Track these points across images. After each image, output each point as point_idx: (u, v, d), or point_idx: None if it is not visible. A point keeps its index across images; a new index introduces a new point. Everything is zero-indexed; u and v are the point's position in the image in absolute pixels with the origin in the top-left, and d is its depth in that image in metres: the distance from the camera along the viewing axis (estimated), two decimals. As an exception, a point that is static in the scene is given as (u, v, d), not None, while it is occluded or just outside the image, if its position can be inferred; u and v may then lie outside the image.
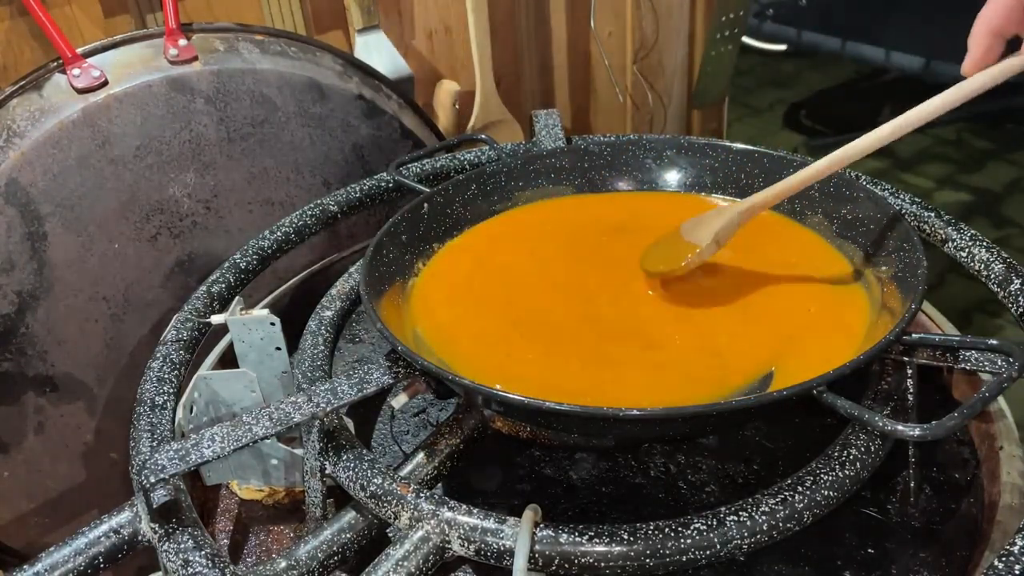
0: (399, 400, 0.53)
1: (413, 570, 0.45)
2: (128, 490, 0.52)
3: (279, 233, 0.72)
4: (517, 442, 0.59)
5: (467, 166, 0.80)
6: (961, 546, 0.51)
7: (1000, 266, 0.57)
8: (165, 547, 0.47)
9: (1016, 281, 0.55)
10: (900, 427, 0.41)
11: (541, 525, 0.44)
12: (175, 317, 0.63)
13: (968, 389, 0.61)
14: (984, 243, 0.60)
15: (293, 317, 0.66)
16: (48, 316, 0.80)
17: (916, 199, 0.66)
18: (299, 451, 0.55)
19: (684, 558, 0.43)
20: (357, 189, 0.77)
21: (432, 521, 0.45)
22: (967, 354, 0.50)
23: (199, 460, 0.47)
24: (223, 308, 0.64)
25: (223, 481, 0.61)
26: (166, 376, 0.58)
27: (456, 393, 0.55)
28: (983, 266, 0.58)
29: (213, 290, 0.66)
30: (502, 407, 0.52)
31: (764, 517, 0.44)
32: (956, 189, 2.04)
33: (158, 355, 0.60)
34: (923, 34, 2.11)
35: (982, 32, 0.47)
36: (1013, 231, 1.86)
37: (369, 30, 1.05)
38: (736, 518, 0.44)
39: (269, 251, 0.71)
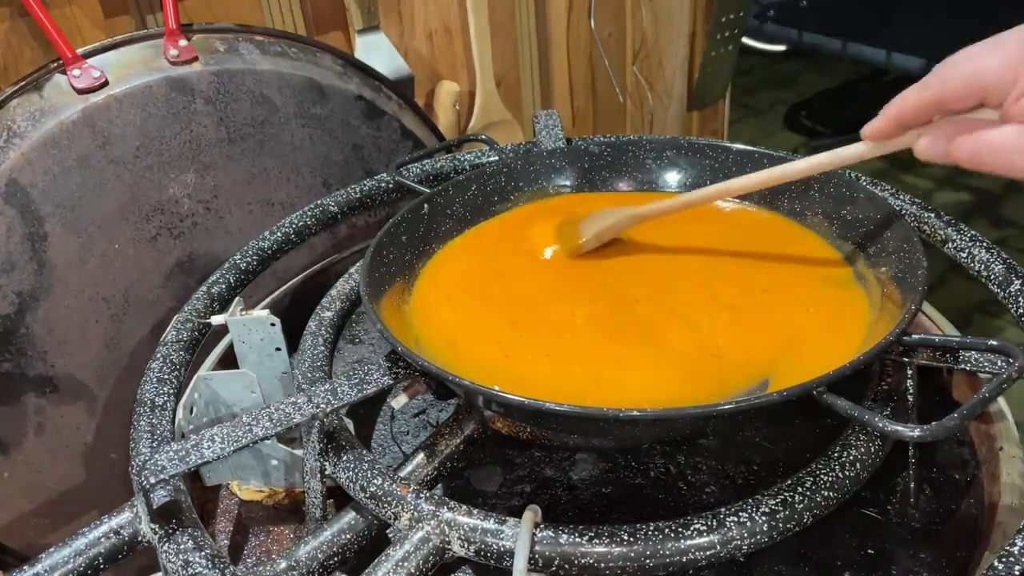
0: (399, 401, 0.53)
1: (413, 571, 0.45)
2: (128, 490, 0.52)
3: (279, 234, 0.72)
4: (517, 443, 0.59)
5: (467, 166, 0.80)
6: (961, 546, 0.51)
7: (1000, 267, 0.57)
8: (165, 548, 0.47)
9: (1016, 282, 0.55)
10: (900, 428, 0.41)
11: (541, 526, 0.44)
12: (175, 318, 0.63)
13: (968, 390, 0.61)
14: (984, 244, 0.59)
15: (293, 318, 0.66)
16: (48, 316, 0.80)
17: (916, 199, 0.66)
18: (299, 452, 0.55)
19: (684, 559, 0.43)
20: (357, 189, 0.77)
21: (432, 522, 0.45)
22: (967, 355, 0.50)
23: (199, 461, 0.47)
24: (223, 309, 0.64)
25: (223, 482, 0.61)
26: (166, 377, 0.58)
27: (456, 394, 0.55)
28: (983, 267, 0.58)
29: (213, 291, 0.66)
30: (502, 408, 0.51)
31: (764, 518, 0.44)
32: (956, 189, 2.04)
33: (158, 356, 0.60)
34: (923, 35, 2.11)
35: (893, 116, 0.48)
36: (1013, 232, 1.87)
37: (369, 30, 1.05)
38: (736, 519, 0.44)
39: (269, 252, 0.71)
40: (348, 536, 0.49)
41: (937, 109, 0.46)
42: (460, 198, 0.68)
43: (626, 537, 0.43)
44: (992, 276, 0.57)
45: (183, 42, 0.83)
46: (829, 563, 0.50)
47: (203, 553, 0.46)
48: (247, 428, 0.48)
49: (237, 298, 0.64)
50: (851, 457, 0.47)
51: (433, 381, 0.53)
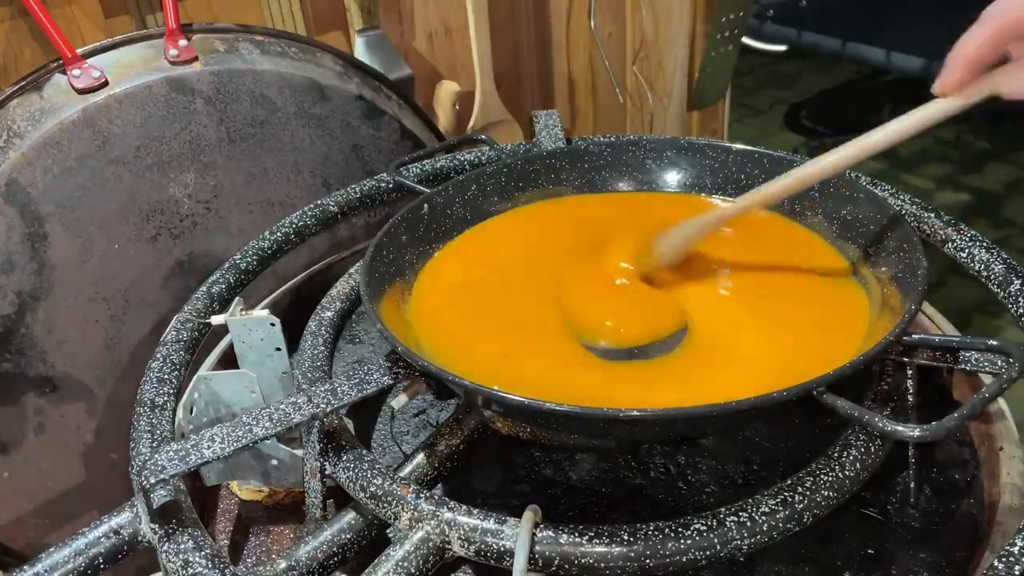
0: (399, 401, 0.53)
1: (413, 571, 0.45)
2: (128, 490, 0.52)
3: (279, 234, 0.72)
4: (517, 443, 0.59)
5: (467, 167, 0.80)
6: (961, 546, 0.51)
7: (1000, 267, 0.57)
8: (165, 548, 0.47)
9: (1016, 282, 0.55)
10: (900, 428, 0.41)
11: (541, 526, 0.44)
12: (175, 318, 0.63)
13: (968, 389, 0.61)
14: (984, 244, 0.59)
15: (293, 318, 0.66)
16: (48, 316, 0.80)
17: (916, 200, 0.66)
18: (299, 452, 0.55)
19: (684, 559, 0.43)
20: (357, 189, 0.77)
21: (432, 522, 0.45)
22: (967, 355, 0.50)
23: (199, 461, 0.47)
24: (223, 309, 0.64)
25: (223, 482, 0.61)
26: (166, 377, 0.58)
27: (456, 394, 0.55)
28: (983, 267, 0.58)
29: (213, 291, 0.66)
30: (502, 408, 0.52)
31: (764, 518, 0.44)
32: (956, 190, 2.04)
33: (158, 356, 0.60)
34: (923, 35, 2.11)
35: (962, 61, 0.45)
36: (1013, 232, 1.86)
37: (369, 30, 1.05)
38: (736, 519, 0.44)
39: (269, 252, 0.71)
40: (348, 536, 0.49)
41: (1005, 36, 0.43)
42: (460, 198, 0.68)
43: (626, 537, 0.43)
44: (992, 276, 0.57)
45: (183, 42, 0.83)
46: (829, 563, 0.50)
47: (203, 553, 0.46)
48: (247, 428, 0.48)
49: (237, 298, 0.64)
50: (851, 457, 0.47)
51: (433, 381, 0.53)
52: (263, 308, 0.62)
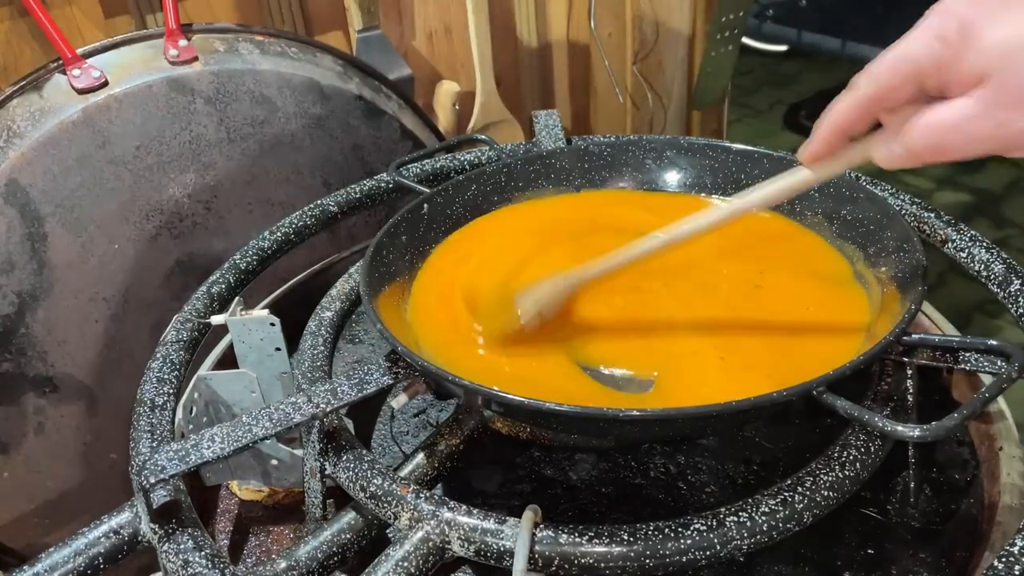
0: (399, 400, 0.53)
1: (413, 571, 0.45)
2: (128, 490, 0.52)
3: (279, 233, 0.72)
4: (517, 443, 0.59)
5: (467, 166, 0.80)
6: (961, 546, 0.51)
7: (1000, 267, 0.57)
8: (165, 548, 0.47)
9: (1016, 282, 0.55)
10: (900, 428, 0.41)
11: (541, 526, 0.44)
12: (175, 318, 0.63)
13: (968, 390, 0.61)
14: (984, 244, 0.59)
15: (293, 318, 0.66)
16: (48, 316, 0.80)
17: (916, 199, 0.66)
18: (299, 452, 0.55)
19: (684, 559, 0.43)
20: (357, 189, 0.77)
21: (432, 522, 0.45)
22: (967, 355, 0.50)
23: (199, 461, 0.47)
24: (223, 309, 0.64)
25: (223, 482, 0.61)
26: (166, 377, 0.58)
27: (456, 394, 0.55)
28: (983, 267, 0.58)
29: (213, 291, 0.66)
30: (501, 408, 0.51)
31: (764, 517, 0.44)
32: (956, 189, 2.03)
33: (158, 355, 0.60)
34: (923, 34, 2.11)
35: (829, 128, 0.44)
36: (1013, 232, 1.86)
37: (369, 30, 1.05)
38: (736, 519, 0.44)
39: (269, 251, 0.71)
40: (348, 536, 0.49)
41: (874, 106, 0.42)
42: (460, 198, 0.68)
43: (626, 537, 0.43)
44: (992, 276, 0.57)
45: (183, 42, 0.83)
46: (829, 563, 0.50)
47: (203, 553, 0.46)
48: (247, 428, 0.48)
49: (237, 298, 0.64)
50: (851, 457, 0.47)
51: (433, 381, 0.53)
52: (263, 308, 0.62)
